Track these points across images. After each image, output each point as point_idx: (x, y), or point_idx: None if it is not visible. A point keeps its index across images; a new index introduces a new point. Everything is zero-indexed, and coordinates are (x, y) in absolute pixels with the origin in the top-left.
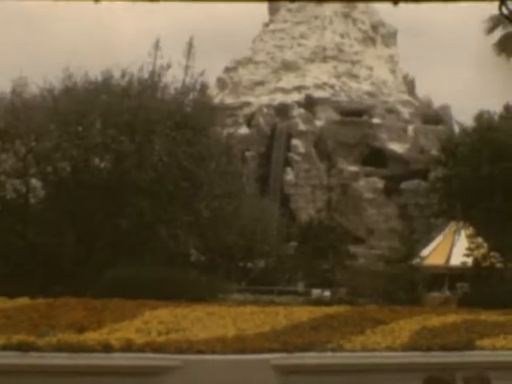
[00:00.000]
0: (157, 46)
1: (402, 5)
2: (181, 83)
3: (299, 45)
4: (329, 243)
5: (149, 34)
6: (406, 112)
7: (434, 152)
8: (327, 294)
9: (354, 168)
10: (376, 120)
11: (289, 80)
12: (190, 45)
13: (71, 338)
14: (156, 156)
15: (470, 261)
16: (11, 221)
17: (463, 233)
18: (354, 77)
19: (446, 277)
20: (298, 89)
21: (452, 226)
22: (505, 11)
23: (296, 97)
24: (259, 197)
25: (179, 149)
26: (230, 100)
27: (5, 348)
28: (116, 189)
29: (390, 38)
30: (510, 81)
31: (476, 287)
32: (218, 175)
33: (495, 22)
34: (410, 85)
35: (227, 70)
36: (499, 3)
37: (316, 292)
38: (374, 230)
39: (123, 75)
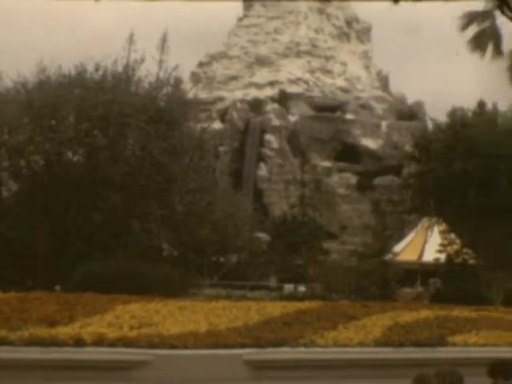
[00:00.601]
0: (131, 40)
1: (377, 2)
2: (155, 77)
3: (273, 40)
4: (302, 239)
5: (123, 28)
6: (379, 108)
7: (408, 148)
8: (302, 289)
9: (327, 163)
10: (349, 116)
11: (263, 75)
12: (164, 39)
13: (43, 333)
14: (129, 150)
15: (442, 257)
16: None
17: (436, 229)
18: (328, 72)
19: (418, 273)
20: (272, 84)
21: (425, 222)
22: (505, 11)
23: (270, 92)
24: (232, 192)
25: (153, 143)
26: (203, 95)
27: None
28: (89, 183)
29: (365, 33)
30: (484, 77)
31: (449, 283)
32: (191, 170)
33: (470, 19)
34: (383, 80)
35: (201, 64)
36: (499, 3)
37: (288, 287)
38: (347, 225)
39: (97, 69)
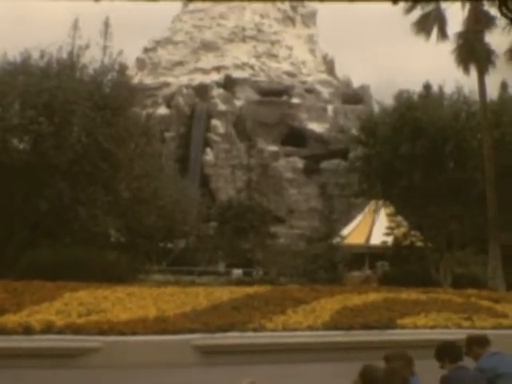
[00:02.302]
0: (75, 26)
1: None
2: (99, 64)
3: (218, 25)
4: (249, 223)
5: (67, 14)
6: (325, 92)
7: (354, 132)
8: (250, 274)
9: (273, 148)
10: (295, 100)
11: (208, 60)
12: (107, 24)
13: None
14: (75, 137)
15: (390, 240)
16: None
17: (383, 212)
18: (274, 57)
19: (366, 256)
20: (218, 69)
21: (372, 205)
22: (505, 11)
23: (215, 77)
24: (179, 177)
25: (98, 129)
26: (149, 80)
27: None
28: (35, 170)
29: (310, 17)
30: (429, 60)
31: (396, 266)
32: (137, 156)
33: (414, 2)
34: (329, 64)
35: (146, 50)
36: (498, 3)
37: (237, 272)
38: (295, 209)
39: (42, 56)
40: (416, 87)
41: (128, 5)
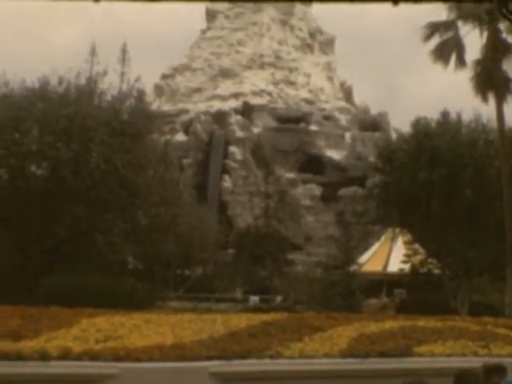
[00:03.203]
0: (93, 52)
1: (340, 11)
2: (117, 90)
3: (237, 52)
4: (266, 250)
5: (85, 40)
6: (343, 119)
7: (372, 159)
8: (268, 300)
9: (291, 175)
10: (313, 127)
11: (226, 87)
12: (124, 50)
13: (8, 347)
14: (93, 163)
15: (407, 267)
16: None
17: (400, 239)
18: (292, 84)
19: (383, 283)
20: (236, 96)
21: (389, 232)
22: (504, 12)
23: (233, 104)
24: (197, 204)
25: (116, 156)
26: (167, 107)
27: None
28: (53, 196)
29: (328, 45)
30: (447, 88)
31: (414, 293)
32: (155, 183)
33: (432, 29)
34: (347, 92)
35: (164, 76)
36: (498, 4)
37: (254, 299)
38: (312, 236)
39: (60, 82)
40: (434, 114)
41: (146, 31)
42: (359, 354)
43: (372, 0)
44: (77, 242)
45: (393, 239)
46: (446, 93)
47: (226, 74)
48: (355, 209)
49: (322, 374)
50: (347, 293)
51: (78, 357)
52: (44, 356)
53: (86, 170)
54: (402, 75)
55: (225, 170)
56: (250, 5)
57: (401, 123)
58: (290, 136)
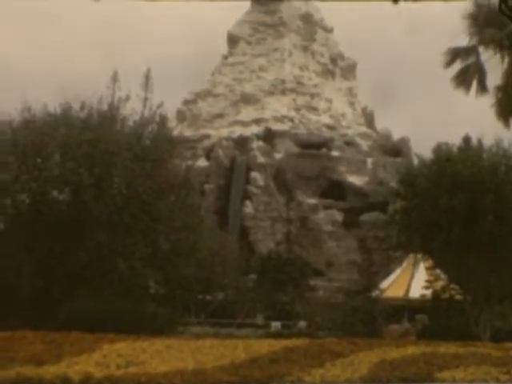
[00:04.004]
0: (115, 78)
1: (360, 36)
2: (140, 115)
3: (258, 77)
4: (288, 276)
5: (108, 66)
6: (364, 144)
7: (393, 184)
8: (295, 326)
9: (313, 200)
10: (335, 152)
11: (248, 113)
12: (148, 77)
13: (30, 372)
14: (115, 188)
15: (429, 293)
16: None
17: (422, 265)
18: (313, 109)
19: (405, 309)
20: (257, 121)
21: (411, 258)
22: (505, 10)
23: (255, 129)
24: (218, 229)
25: (138, 181)
26: (189, 132)
27: None
28: (75, 221)
29: (350, 70)
30: (469, 114)
31: (435, 319)
32: (176, 208)
33: (454, 55)
34: (369, 117)
35: (186, 102)
36: (499, 2)
37: (275, 325)
38: (334, 262)
39: (82, 107)
40: (455, 140)
41: (168, 56)
42: (380, 380)
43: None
44: (98, 267)
45: (414, 265)
46: (467, 118)
47: (247, 99)
48: (377, 234)
49: None
50: (369, 318)
51: (100, 382)
52: (66, 381)
53: (108, 195)
54: (424, 101)
55: (246, 196)
56: (272, 31)
57: (422, 149)
58: (312, 162)
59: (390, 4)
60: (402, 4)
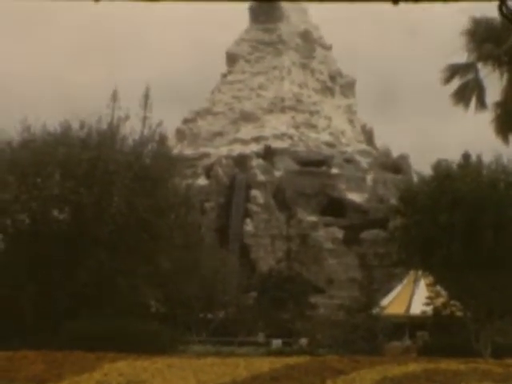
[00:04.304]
0: (114, 97)
1: (361, 53)
2: (139, 134)
3: (258, 95)
4: (289, 293)
5: (107, 84)
6: (364, 162)
7: (393, 201)
8: (290, 344)
9: (313, 218)
10: (334, 170)
11: (247, 131)
12: (147, 96)
13: None
14: (115, 207)
15: (430, 310)
16: None
17: (423, 282)
18: (313, 127)
19: (406, 326)
20: (257, 139)
21: (411, 275)
22: (505, 11)
23: (255, 147)
24: (219, 247)
25: (138, 200)
26: (189, 151)
27: None
28: (75, 240)
29: (349, 87)
30: (468, 130)
31: (436, 336)
32: (177, 226)
33: (452, 72)
34: (368, 134)
35: (186, 121)
36: (499, 3)
37: (276, 342)
38: (334, 279)
39: (82, 126)
40: (454, 156)
41: (168, 75)
42: None
43: (372, 0)
44: (99, 286)
45: (415, 282)
46: (466, 135)
47: (247, 117)
48: (377, 251)
49: None
50: (370, 336)
51: None
52: None
53: (108, 214)
54: (423, 117)
55: (247, 214)
56: (271, 49)
57: (422, 165)
58: (312, 179)
59: (389, 19)
60: (400, 19)
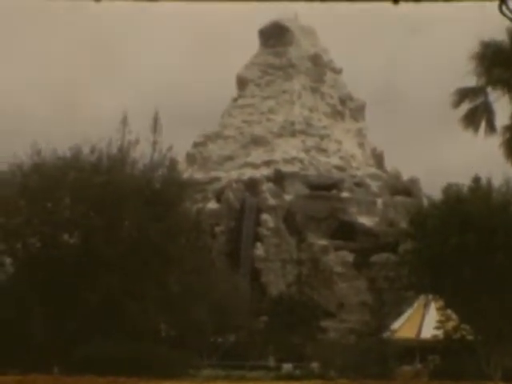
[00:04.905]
0: (125, 121)
1: (369, 77)
2: (149, 158)
3: (268, 119)
4: (299, 317)
5: (117, 109)
6: (374, 185)
7: (404, 225)
8: (307, 367)
9: (323, 242)
10: (345, 194)
11: (258, 155)
12: (156, 120)
13: None
14: (125, 231)
15: (440, 333)
16: None
17: (433, 305)
18: (323, 151)
19: (417, 349)
20: (267, 163)
21: (422, 298)
22: (505, 11)
23: (265, 171)
24: (229, 271)
25: (149, 224)
26: (199, 175)
27: None
28: (85, 264)
29: (359, 111)
30: (478, 154)
31: (447, 359)
32: (187, 250)
33: (462, 96)
34: (378, 158)
35: (196, 144)
36: (499, 3)
37: (287, 366)
38: (345, 303)
39: (92, 151)
40: (464, 179)
41: (178, 99)
42: None
43: (372, 0)
44: (110, 310)
45: (425, 305)
46: (476, 158)
47: (257, 141)
48: (387, 275)
49: None
50: (380, 359)
51: None
52: None
53: (119, 238)
54: (433, 141)
55: (257, 238)
56: (281, 73)
57: (432, 189)
58: (322, 203)
59: (399, 40)
60: (413, 41)
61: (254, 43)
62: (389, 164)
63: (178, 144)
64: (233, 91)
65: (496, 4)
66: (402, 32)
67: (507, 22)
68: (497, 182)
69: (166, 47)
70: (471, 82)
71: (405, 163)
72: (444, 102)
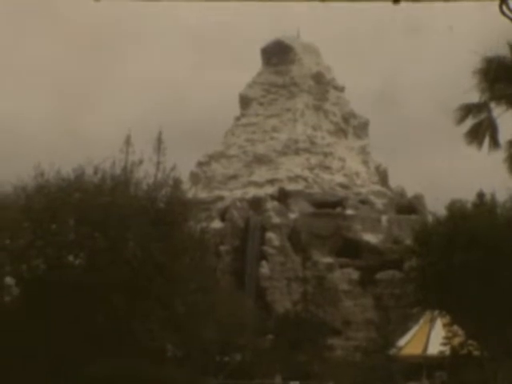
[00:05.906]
0: (128, 141)
1: (372, 94)
2: (153, 178)
3: (271, 138)
4: (305, 335)
5: (120, 129)
6: (379, 202)
7: (408, 242)
8: None
9: (328, 259)
10: (349, 211)
11: (261, 173)
12: (160, 140)
13: None
14: (130, 252)
15: (447, 349)
16: None
17: (439, 322)
18: (327, 169)
19: (423, 366)
20: (271, 182)
21: (428, 315)
22: (505, 10)
23: (269, 190)
24: (235, 290)
25: (153, 244)
26: (203, 194)
27: None
28: (90, 286)
29: (362, 128)
30: (481, 169)
31: (454, 376)
32: (192, 270)
33: (465, 112)
34: (382, 175)
35: (200, 164)
36: (499, 3)
37: None
38: (351, 321)
39: (95, 172)
40: (468, 195)
41: (181, 118)
42: None
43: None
44: (115, 331)
45: (431, 322)
46: (480, 174)
47: (261, 160)
48: (393, 292)
49: None
50: (387, 377)
51: None
52: None
53: (123, 258)
54: (436, 157)
55: (262, 256)
56: (284, 91)
57: (436, 205)
58: (327, 221)
59: (402, 52)
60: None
61: (256, 62)
62: (393, 181)
63: (182, 164)
64: (236, 110)
65: (496, 4)
66: (403, 40)
67: (507, 23)
68: (501, 198)
69: (172, 67)
70: (474, 97)
71: (409, 180)
72: (447, 117)
